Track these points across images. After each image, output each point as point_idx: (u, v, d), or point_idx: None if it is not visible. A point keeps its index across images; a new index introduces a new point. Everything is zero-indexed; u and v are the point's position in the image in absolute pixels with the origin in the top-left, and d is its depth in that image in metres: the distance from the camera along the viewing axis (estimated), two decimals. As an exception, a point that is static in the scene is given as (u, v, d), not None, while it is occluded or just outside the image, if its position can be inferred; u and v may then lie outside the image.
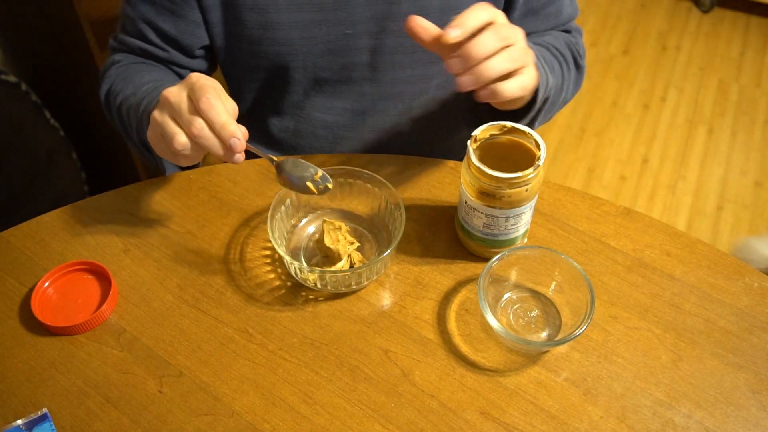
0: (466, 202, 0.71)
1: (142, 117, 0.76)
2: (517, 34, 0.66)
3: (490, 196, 0.68)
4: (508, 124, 0.70)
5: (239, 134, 0.63)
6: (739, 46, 2.47)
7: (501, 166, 0.66)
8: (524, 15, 0.89)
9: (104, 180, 1.74)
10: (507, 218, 0.69)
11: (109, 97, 0.88)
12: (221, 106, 0.63)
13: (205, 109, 0.62)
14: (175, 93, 0.64)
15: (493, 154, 0.69)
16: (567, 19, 0.93)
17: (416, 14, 0.82)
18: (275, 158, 0.70)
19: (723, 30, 2.53)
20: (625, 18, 2.59)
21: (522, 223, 0.71)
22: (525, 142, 0.70)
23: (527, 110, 0.80)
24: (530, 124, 0.85)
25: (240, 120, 1.02)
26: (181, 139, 0.64)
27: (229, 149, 0.64)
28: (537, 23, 0.90)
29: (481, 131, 0.70)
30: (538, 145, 0.68)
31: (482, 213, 0.69)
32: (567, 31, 0.94)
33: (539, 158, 0.67)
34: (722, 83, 2.33)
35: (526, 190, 0.67)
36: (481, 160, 0.67)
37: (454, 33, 0.62)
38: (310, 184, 0.70)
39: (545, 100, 0.81)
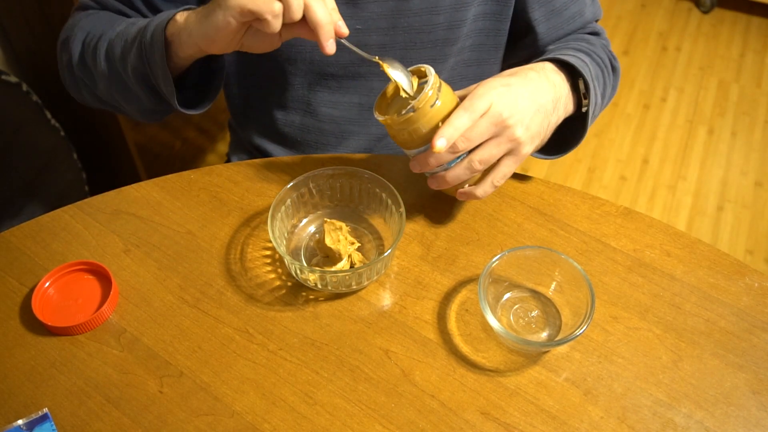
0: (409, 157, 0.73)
1: (152, 34, 0.72)
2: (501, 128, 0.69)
3: (401, 141, 0.70)
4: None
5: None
6: (739, 46, 2.47)
7: None
8: (548, 17, 0.88)
9: (104, 180, 1.74)
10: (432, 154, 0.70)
11: (85, 47, 0.81)
12: None
13: None
14: None
15: None
16: (591, 19, 0.92)
17: (428, 10, 0.83)
18: (376, 58, 0.71)
19: (723, 30, 2.53)
20: (625, 18, 2.59)
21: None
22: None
23: (581, 132, 0.81)
24: (578, 141, 0.84)
25: (244, 115, 1.02)
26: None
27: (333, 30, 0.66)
28: (562, 24, 0.89)
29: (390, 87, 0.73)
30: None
31: (412, 151, 0.71)
32: (596, 33, 0.93)
33: (411, 95, 0.68)
34: (722, 83, 2.33)
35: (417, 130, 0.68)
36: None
37: (440, 144, 0.66)
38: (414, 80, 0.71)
39: (593, 116, 0.82)
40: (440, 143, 0.66)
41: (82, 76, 0.83)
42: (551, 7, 0.87)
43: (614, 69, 0.91)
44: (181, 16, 0.71)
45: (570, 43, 0.87)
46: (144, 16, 0.84)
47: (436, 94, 0.67)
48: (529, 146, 0.72)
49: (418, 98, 0.67)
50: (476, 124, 0.67)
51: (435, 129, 0.67)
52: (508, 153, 0.71)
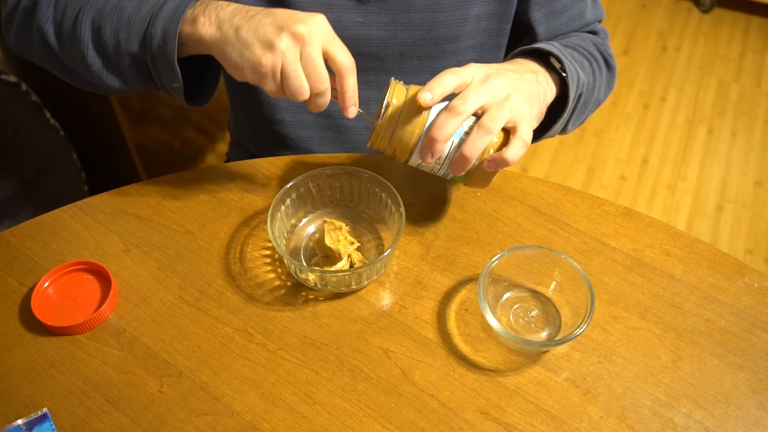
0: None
1: (164, 31, 0.69)
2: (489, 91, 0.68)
3: (400, 151, 0.70)
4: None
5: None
6: (739, 46, 2.47)
7: None
8: (548, 18, 0.88)
9: (104, 180, 1.74)
10: (422, 164, 0.71)
11: (57, 19, 0.74)
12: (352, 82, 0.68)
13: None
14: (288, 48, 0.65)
15: None
16: (592, 20, 0.92)
17: (429, 8, 0.83)
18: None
19: (723, 30, 2.53)
20: (625, 18, 2.59)
21: (444, 153, 0.69)
22: None
23: (561, 110, 0.80)
24: (564, 127, 0.85)
25: (239, 119, 1.02)
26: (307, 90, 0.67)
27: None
28: (561, 25, 0.90)
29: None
30: None
31: (415, 165, 0.72)
32: (593, 33, 0.94)
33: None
34: (722, 83, 2.33)
35: (390, 146, 0.69)
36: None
37: (424, 97, 0.66)
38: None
39: (578, 98, 0.81)
40: (425, 96, 0.65)
41: (43, 47, 0.77)
42: (551, 8, 0.88)
43: (609, 65, 0.91)
44: (201, 18, 0.68)
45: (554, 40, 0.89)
46: None
47: (395, 84, 0.69)
48: (528, 108, 0.70)
49: (384, 98, 0.68)
50: (468, 87, 0.67)
51: (416, 114, 0.68)
52: (516, 118, 0.69)
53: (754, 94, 2.29)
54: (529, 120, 0.69)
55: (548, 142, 2.15)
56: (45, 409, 0.65)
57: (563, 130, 0.87)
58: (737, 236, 1.89)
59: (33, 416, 0.64)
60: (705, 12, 2.60)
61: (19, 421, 0.64)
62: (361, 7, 0.82)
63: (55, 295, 0.73)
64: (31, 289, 0.73)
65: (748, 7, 2.59)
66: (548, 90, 0.77)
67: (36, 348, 0.69)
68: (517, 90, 0.69)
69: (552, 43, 0.81)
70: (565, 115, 0.81)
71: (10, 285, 0.74)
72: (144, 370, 0.68)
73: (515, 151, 0.68)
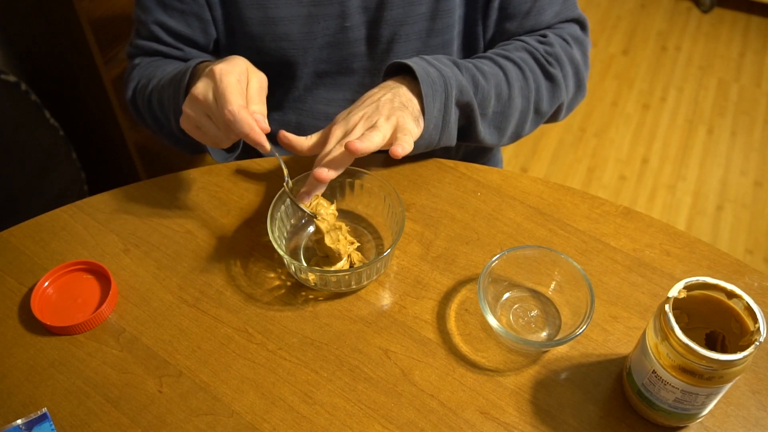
0: (654, 372, 0.58)
1: (178, 94, 0.78)
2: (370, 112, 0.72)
3: (695, 375, 0.55)
4: (710, 280, 0.59)
5: (263, 140, 0.68)
6: (739, 46, 2.47)
7: (690, 326, 0.59)
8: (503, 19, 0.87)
9: (104, 180, 1.74)
10: (709, 395, 0.58)
11: (136, 97, 0.89)
12: (243, 116, 0.66)
13: (230, 121, 0.66)
14: (202, 92, 0.69)
15: (682, 311, 0.61)
16: (550, 20, 0.87)
17: (409, 2, 0.84)
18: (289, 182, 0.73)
19: (723, 30, 2.53)
20: (625, 18, 2.59)
21: (723, 394, 0.60)
22: (720, 297, 0.60)
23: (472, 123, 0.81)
24: (476, 133, 0.83)
25: None
26: (221, 140, 0.71)
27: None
28: (512, 25, 0.87)
29: (679, 291, 0.58)
30: (750, 311, 0.57)
31: (677, 389, 0.57)
32: (543, 36, 0.87)
33: (759, 330, 0.55)
34: (722, 83, 2.33)
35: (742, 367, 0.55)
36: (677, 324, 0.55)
37: (324, 173, 0.69)
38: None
39: (470, 105, 0.79)
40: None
41: (134, 111, 0.94)
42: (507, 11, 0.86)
43: (546, 74, 0.85)
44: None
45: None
46: (174, 47, 0.89)
47: None
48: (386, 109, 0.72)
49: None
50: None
51: None
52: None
53: (754, 94, 2.29)
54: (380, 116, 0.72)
55: (548, 142, 2.15)
56: (44, 409, 0.65)
57: (479, 138, 0.84)
58: (737, 236, 1.89)
59: (33, 416, 0.64)
60: (705, 12, 2.61)
61: (19, 421, 0.64)
62: (346, 12, 0.85)
63: (54, 295, 0.73)
64: (31, 289, 0.73)
65: (748, 7, 2.59)
66: (414, 98, 0.76)
67: (35, 348, 0.69)
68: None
69: (428, 60, 0.78)
70: (449, 120, 0.78)
71: (10, 285, 0.74)
72: (144, 370, 0.67)
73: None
